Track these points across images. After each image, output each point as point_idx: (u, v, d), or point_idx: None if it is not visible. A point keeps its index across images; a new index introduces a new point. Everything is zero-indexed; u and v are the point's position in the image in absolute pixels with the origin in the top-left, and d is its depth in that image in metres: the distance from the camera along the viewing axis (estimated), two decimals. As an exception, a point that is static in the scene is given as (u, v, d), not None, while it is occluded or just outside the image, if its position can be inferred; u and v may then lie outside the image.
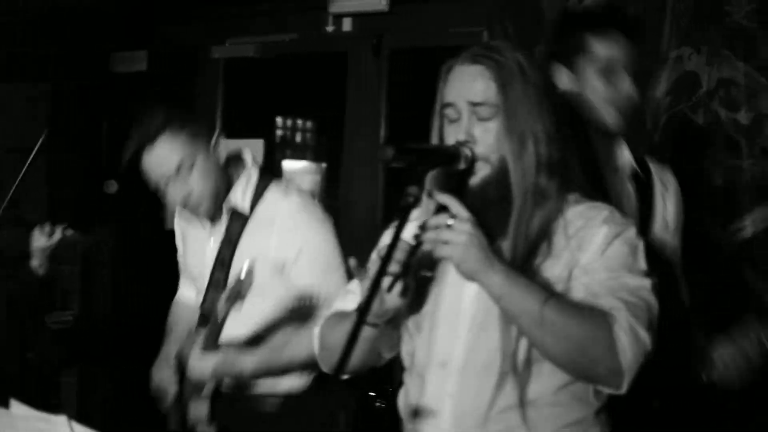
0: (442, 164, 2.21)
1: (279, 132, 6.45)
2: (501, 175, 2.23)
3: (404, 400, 2.45)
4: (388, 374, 2.66)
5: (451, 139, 2.26)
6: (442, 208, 2.14)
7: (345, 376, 2.38)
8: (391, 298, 2.14)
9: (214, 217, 3.33)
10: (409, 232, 2.09)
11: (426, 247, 2.12)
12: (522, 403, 2.23)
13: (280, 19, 6.06)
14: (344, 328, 2.15)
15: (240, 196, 3.32)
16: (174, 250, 3.74)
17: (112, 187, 6.41)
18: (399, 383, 2.50)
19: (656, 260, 2.39)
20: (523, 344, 2.21)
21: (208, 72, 6.45)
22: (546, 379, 2.24)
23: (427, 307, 2.35)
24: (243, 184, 3.35)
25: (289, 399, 3.35)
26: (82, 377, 6.24)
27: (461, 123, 2.25)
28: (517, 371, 2.22)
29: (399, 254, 2.08)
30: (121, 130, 6.59)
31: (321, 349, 2.50)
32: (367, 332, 2.18)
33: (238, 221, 3.30)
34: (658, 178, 3.18)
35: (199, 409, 3.25)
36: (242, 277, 2.96)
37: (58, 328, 5.89)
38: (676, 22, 4.54)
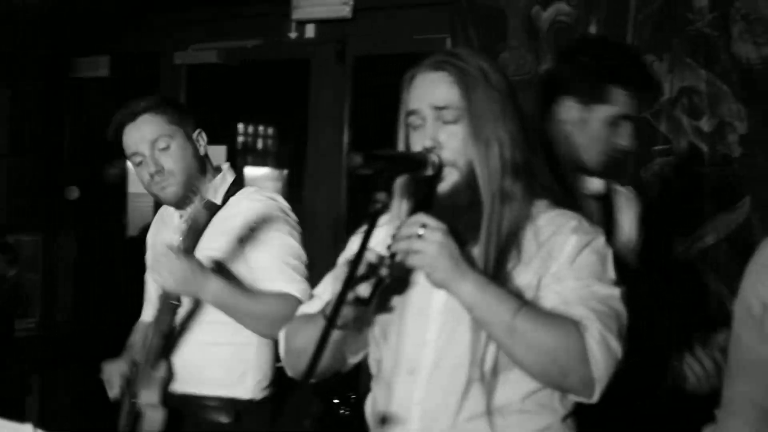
0: (410, 171, 2.21)
1: (241, 138, 6.40)
2: (469, 179, 2.22)
3: (372, 407, 2.42)
4: (352, 382, 2.57)
5: (417, 146, 2.24)
6: (413, 217, 2.12)
7: (311, 381, 2.28)
8: (359, 302, 2.11)
9: (182, 204, 3.30)
10: (377, 238, 2.07)
11: (398, 256, 2.10)
12: (489, 410, 2.21)
13: (243, 26, 6.00)
14: (310, 332, 2.18)
15: (212, 191, 3.31)
16: (137, 254, 3.66)
17: (74, 193, 6.32)
18: (365, 391, 2.47)
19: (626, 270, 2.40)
20: (491, 352, 2.19)
21: (170, 78, 6.37)
22: (513, 387, 2.22)
23: (395, 314, 2.32)
24: (218, 181, 3.36)
25: (249, 405, 3.29)
26: (43, 385, 6.15)
27: (426, 129, 2.24)
28: (484, 379, 2.20)
29: (367, 261, 2.07)
30: (82, 135, 6.57)
31: (287, 353, 2.46)
32: (332, 335, 2.10)
33: (208, 212, 3.22)
34: (619, 198, 3.19)
35: (150, 396, 3.20)
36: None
37: (20, 335, 5.81)
38: (638, 30, 4.54)
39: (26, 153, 6.22)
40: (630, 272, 2.82)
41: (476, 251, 2.22)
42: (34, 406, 6.01)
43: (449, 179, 2.23)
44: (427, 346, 2.27)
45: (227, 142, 6.14)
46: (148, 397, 3.22)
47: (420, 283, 2.23)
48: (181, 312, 3.21)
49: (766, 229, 4.13)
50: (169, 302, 3.13)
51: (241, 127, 6.39)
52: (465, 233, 2.21)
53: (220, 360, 3.25)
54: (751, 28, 4.27)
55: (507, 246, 2.22)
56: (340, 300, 1.98)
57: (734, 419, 2.22)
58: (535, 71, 4.72)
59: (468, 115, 2.22)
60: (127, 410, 3.30)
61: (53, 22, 6.18)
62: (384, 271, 2.11)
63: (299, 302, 2.92)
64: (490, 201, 2.21)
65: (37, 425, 2.17)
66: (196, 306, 3.23)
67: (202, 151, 3.38)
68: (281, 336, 2.48)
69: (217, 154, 5.73)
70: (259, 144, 6.45)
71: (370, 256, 2.08)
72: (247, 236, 3.21)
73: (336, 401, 4.30)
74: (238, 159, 6.30)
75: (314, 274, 2.78)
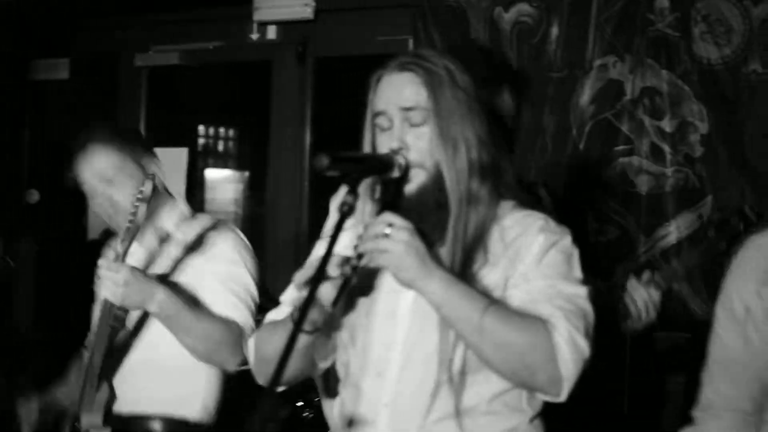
0: (377, 172, 2.17)
1: (202, 140, 6.33)
2: (436, 181, 2.18)
3: (339, 410, 2.34)
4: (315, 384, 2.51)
5: (384, 148, 2.20)
6: (380, 217, 2.09)
7: (280, 387, 2.25)
8: (326, 305, 2.07)
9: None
10: (343, 241, 2.03)
11: (365, 256, 2.06)
12: (458, 412, 2.17)
13: (205, 27, 5.90)
14: (279, 338, 2.11)
15: (166, 218, 3.23)
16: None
17: (34, 196, 6.20)
18: (334, 394, 2.38)
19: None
20: (459, 353, 2.15)
21: (131, 80, 6.26)
22: (481, 388, 2.19)
23: (363, 316, 2.27)
24: (169, 208, 3.26)
25: (197, 428, 3.19)
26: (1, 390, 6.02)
27: (393, 130, 2.19)
28: (453, 380, 2.16)
29: (334, 263, 2.02)
30: (42, 138, 6.45)
31: (257, 361, 2.39)
32: (302, 340, 2.09)
33: (162, 240, 3.20)
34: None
35: (93, 419, 3.08)
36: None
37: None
38: (600, 30, 4.54)
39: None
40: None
41: (443, 252, 2.19)
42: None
43: (416, 180, 2.19)
44: (395, 348, 2.23)
45: (188, 144, 6.05)
46: (91, 420, 3.09)
47: (387, 284, 2.20)
48: (126, 329, 3.12)
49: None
50: (111, 319, 3.01)
51: (202, 129, 6.32)
52: (432, 234, 2.17)
53: (168, 380, 3.13)
54: (711, 29, 4.29)
55: (473, 247, 2.19)
56: (307, 303, 1.93)
57: (713, 421, 2.24)
58: (506, 73, 4.66)
59: (435, 117, 2.18)
60: None
61: (11, 25, 6.05)
62: (351, 273, 2.06)
63: (241, 330, 2.93)
64: (457, 202, 2.18)
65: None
66: (142, 323, 3.13)
67: (149, 186, 3.16)
68: (250, 344, 2.42)
69: (178, 156, 5.75)
70: (221, 146, 6.39)
71: (336, 259, 2.03)
72: (199, 263, 3.13)
73: (299, 404, 4.20)
74: (199, 161, 6.21)
75: (277, 276, 2.71)
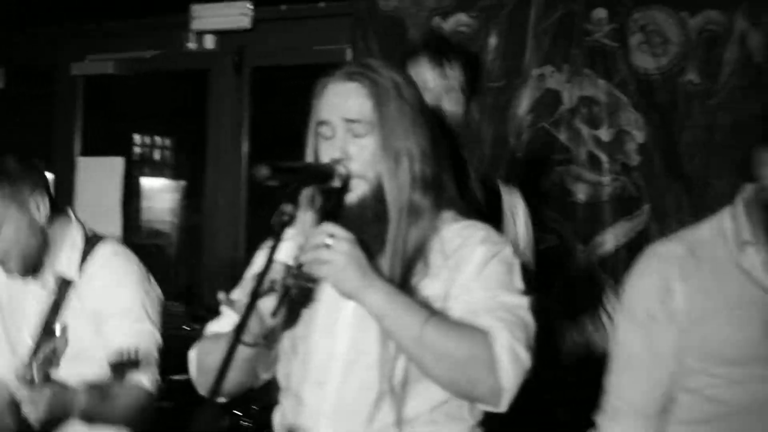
0: (317, 182, 2.13)
1: (138, 149, 6.22)
2: (377, 192, 2.14)
3: (280, 420, 2.30)
4: (254, 393, 2.45)
5: (326, 157, 2.16)
6: (320, 227, 2.05)
7: (222, 399, 2.25)
8: (267, 317, 2.03)
9: (30, 274, 3.08)
10: (283, 250, 2.00)
11: (305, 267, 2.02)
12: (399, 422, 2.12)
13: (142, 36, 5.79)
14: (220, 350, 2.03)
15: (65, 261, 3.09)
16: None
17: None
18: (273, 403, 2.35)
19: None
20: (401, 364, 2.11)
21: (67, 89, 6.11)
22: (422, 398, 2.14)
23: (304, 326, 2.23)
24: (68, 248, 3.11)
25: None
26: None
27: (336, 140, 2.15)
28: (394, 391, 2.12)
29: (274, 273, 1.99)
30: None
31: (198, 373, 2.33)
32: (243, 352, 2.08)
33: (65, 287, 3.07)
34: (507, 202, 3.15)
35: None
36: (56, 341, 2.78)
37: None
38: (538, 40, 4.50)
39: None
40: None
41: (383, 263, 2.14)
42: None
43: (357, 191, 2.14)
44: (336, 358, 2.18)
45: (124, 153, 5.94)
46: None
47: (328, 294, 2.14)
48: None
49: (663, 236, 4.00)
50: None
51: (138, 138, 6.19)
52: (372, 245, 2.12)
53: None
54: (648, 39, 4.27)
55: (413, 259, 2.15)
56: (246, 315, 1.90)
57: (617, 425, 2.26)
58: (436, 81, 4.58)
59: (379, 129, 2.14)
60: None
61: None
62: (291, 283, 2.03)
63: (150, 395, 2.92)
64: (397, 215, 2.14)
65: None
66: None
67: (41, 220, 3.06)
68: (192, 356, 2.36)
69: (114, 165, 5.60)
70: (157, 155, 6.26)
71: (276, 269, 2.00)
72: (97, 301, 3.02)
73: (237, 413, 4.09)
74: (135, 170, 6.08)
75: (214, 286, 2.62)
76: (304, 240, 2.03)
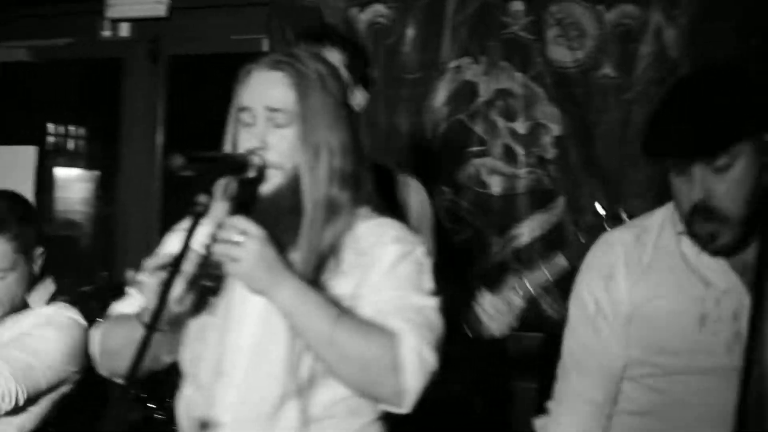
0: (232, 173, 2.08)
1: (51, 139, 6.00)
2: (293, 184, 2.11)
3: (185, 409, 2.24)
4: (167, 385, 2.49)
5: (244, 144, 2.12)
6: (232, 221, 2.00)
7: (120, 380, 2.25)
8: (174, 303, 1.99)
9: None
10: (197, 238, 1.94)
11: (215, 260, 2.00)
12: (304, 416, 2.10)
13: (55, 23, 5.54)
14: (125, 332, 2.09)
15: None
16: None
17: None
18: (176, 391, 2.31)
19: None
20: (307, 359, 2.09)
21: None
22: (327, 393, 2.12)
23: (211, 315, 2.18)
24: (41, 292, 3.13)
25: None
26: None
27: (256, 128, 2.12)
28: (300, 386, 2.09)
29: (187, 263, 1.96)
30: None
31: (101, 354, 2.29)
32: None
33: None
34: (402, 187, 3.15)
35: None
36: None
37: None
38: (455, 32, 4.42)
39: None
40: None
41: (295, 257, 2.11)
42: None
43: (272, 182, 2.11)
44: (241, 351, 2.14)
45: (37, 143, 5.69)
46: None
47: (238, 285, 2.10)
48: None
49: (579, 229, 4.12)
50: None
51: (51, 127, 5.95)
52: (285, 237, 2.10)
53: None
54: (565, 33, 4.24)
55: (326, 256, 2.13)
56: (161, 303, 1.86)
57: (567, 414, 2.27)
58: (352, 72, 4.47)
59: (300, 120, 2.11)
60: None
61: None
62: (202, 272, 2.02)
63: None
64: (312, 209, 2.11)
65: None
66: None
67: (36, 271, 3.08)
68: (96, 336, 2.31)
69: (27, 155, 5.48)
70: (70, 145, 6.05)
71: (189, 257, 1.95)
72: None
73: (151, 405, 3.94)
74: (48, 160, 5.85)
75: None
76: (216, 230, 1.99)
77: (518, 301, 3.14)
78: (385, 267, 2.13)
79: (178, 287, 1.97)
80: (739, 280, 2.10)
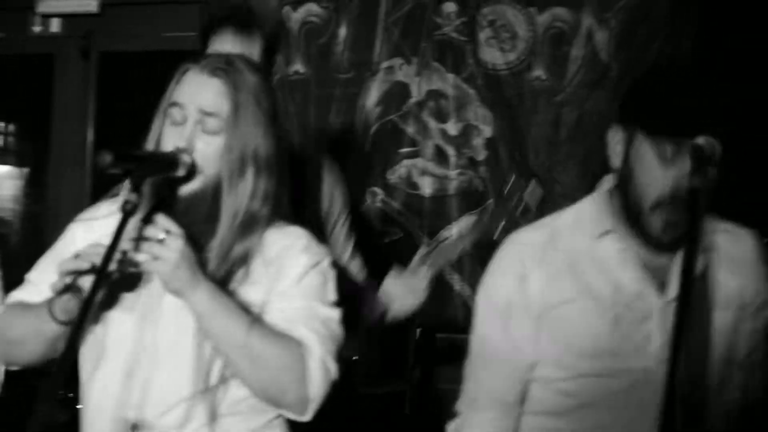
0: (161, 171, 2.01)
1: None
2: (212, 191, 2.06)
3: (86, 409, 2.16)
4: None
5: (170, 142, 2.05)
6: (155, 219, 1.96)
7: (14, 367, 2.23)
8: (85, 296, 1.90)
9: None
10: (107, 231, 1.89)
11: (135, 257, 1.94)
12: (212, 413, 2.06)
13: (-16, 18, 5.44)
14: (27, 323, 2.06)
15: None
16: None
17: None
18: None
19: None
20: (217, 365, 2.05)
21: None
22: (234, 392, 2.08)
23: (119, 312, 2.11)
24: None
25: None
26: None
27: (185, 128, 2.05)
28: (209, 388, 2.05)
29: (99, 254, 1.86)
30: None
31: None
32: (52, 329, 1.99)
33: None
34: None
35: None
36: None
37: None
38: (387, 33, 4.38)
39: None
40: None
41: (207, 262, 2.06)
42: None
43: (192, 185, 2.05)
44: (150, 353, 2.08)
45: (-34, 139, 5.55)
46: None
47: (151, 283, 2.07)
48: None
49: (508, 232, 3.95)
50: None
51: (-20, 124, 5.79)
52: (199, 240, 2.05)
53: None
54: (497, 35, 4.22)
55: (236, 266, 2.08)
56: (90, 298, 1.79)
57: (477, 414, 2.20)
58: (284, 72, 4.48)
59: (230, 131, 2.06)
60: None
61: None
62: (115, 267, 1.92)
63: None
64: (230, 220, 2.06)
65: None
66: None
67: None
68: None
69: None
70: (0, 141, 5.78)
71: (99, 251, 1.88)
72: None
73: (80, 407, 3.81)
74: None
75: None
76: (139, 228, 1.94)
77: (424, 278, 3.05)
78: (294, 276, 2.11)
79: (88, 283, 1.88)
80: (650, 283, 2.06)
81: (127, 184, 1.98)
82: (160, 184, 2.05)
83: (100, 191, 4.94)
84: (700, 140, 1.84)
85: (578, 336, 2.07)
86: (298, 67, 4.44)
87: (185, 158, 2.01)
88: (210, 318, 1.97)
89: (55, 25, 5.16)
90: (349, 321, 2.23)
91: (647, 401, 1.95)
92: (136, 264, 1.95)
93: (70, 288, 1.90)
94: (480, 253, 4.07)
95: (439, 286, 4.12)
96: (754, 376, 2.15)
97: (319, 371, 2.01)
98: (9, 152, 5.82)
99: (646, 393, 1.97)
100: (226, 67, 2.10)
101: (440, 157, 4.25)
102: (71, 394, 3.75)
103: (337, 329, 2.11)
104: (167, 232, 1.92)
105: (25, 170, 5.73)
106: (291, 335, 2.03)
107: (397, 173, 4.29)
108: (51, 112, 5.24)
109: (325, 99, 4.38)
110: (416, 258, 2.94)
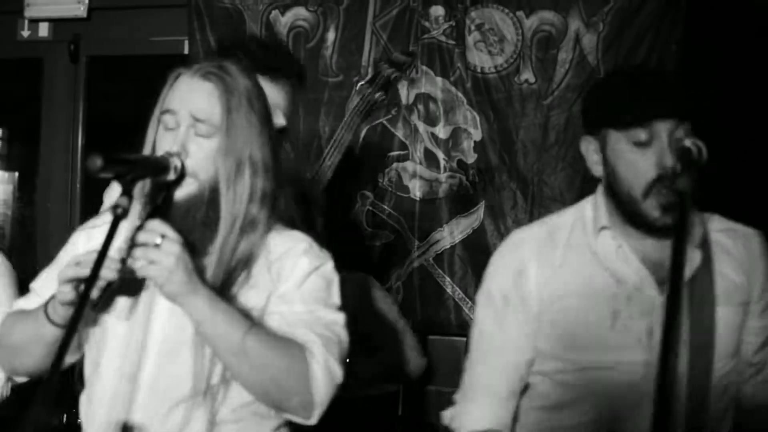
0: (151, 175, 2.01)
1: None
2: (209, 195, 2.05)
3: (87, 410, 2.15)
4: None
5: (164, 147, 2.04)
6: (150, 223, 1.95)
7: (20, 379, 2.22)
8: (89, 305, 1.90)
9: None
10: (117, 243, 1.89)
11: (132, 263, 1.93)
12: (212, 419, 2.05)
13: (-28, 23, 5.36)
14: (28, 329, 2.06)
15: None
16: None
17: None
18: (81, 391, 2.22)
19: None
20: (218, 368, 2.04)
21: None
22: (235, 397, 2.07)
23: (117, 317, 2.11)
24: None
25: None
26: None
27: (178, 133, 2.05)
28: (208, 393, 2.05)
29: (107, 269, 1.87)
30: None
31: (1, 350, 2.21)
32: (52, 334, 2.00)
33: None
34: None
35: None
36: None
37: None
38: (376, 36, 4.34)
39: None
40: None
41: (206, 263, 2.06)
42: None
43: (186, 189, 2.04)
44: (148, 355, 2.08)
45: (-44, 144, 5.46)
46: None
47: (147, 289, 2.07)
48: None
49: (498, 233, 4.12)
50: None
51: (-30, 128, 5.75)
52: (196, 247, 2.04)
53: None
54: (485, 38, 4.20)
55: (237, 269, 2.08)
56: (81, 304, 1.77)
57: (473, 405, 2.23)
58: (273, 75, 4.35)
59: (224, 135, 2.05)
60: None
61: None
62: (112, 273, 1.91)
63: None
64: (230, 224, 2.05)
65: None
66: None
67: None
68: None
69: None
70: (-11, 146, 5.80)
71: (107, 261, 1.87)
72: None
73: (73, 411, 3.79)
74: (-34, 161, 5.65)
75: None
76: (133, 235, 1.93)
77: None
78: (296, 280, 2.09)
79: (95, 291, 1.87)
80: (650, 278, 2.08)
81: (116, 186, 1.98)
82: (154, 190, 2.05)
83: (90, 196, 4.97)
84: (687, 142, 1.87)
85: (580, 330, 2.09)
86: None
87: (175, 162, 2.00)
88: (208, 323, 1.95)
89: (43, 30, 5.10)
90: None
91: (648, 394, 1.96)
92: (132, 270, 1.93)
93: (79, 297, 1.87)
94: (472, 256, 4.14)
95: (431, 288, 4.21)
96: (764, 372, 2.19)
97: (322, 374, 1.99)
98: (-1, 156, 5.82)
99: (647, 386, 1.98)
100: (218, 72, 2.08)
101: (430, 160, 4.23)
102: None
103: (341, 332, 2.09)
104: (163, 236, 1.91)
105: (15, 174, 5.71)
106: (293, 339, 2.01)
107: (387, 177, 4.27)
108: (39, 116, 5.17)
109: (314, 103, 4.34)
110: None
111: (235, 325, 1.95)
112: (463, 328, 4.03)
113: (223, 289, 2.02)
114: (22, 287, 4.96)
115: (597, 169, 2.14)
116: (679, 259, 1.71)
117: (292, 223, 2.20)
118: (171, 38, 4.74)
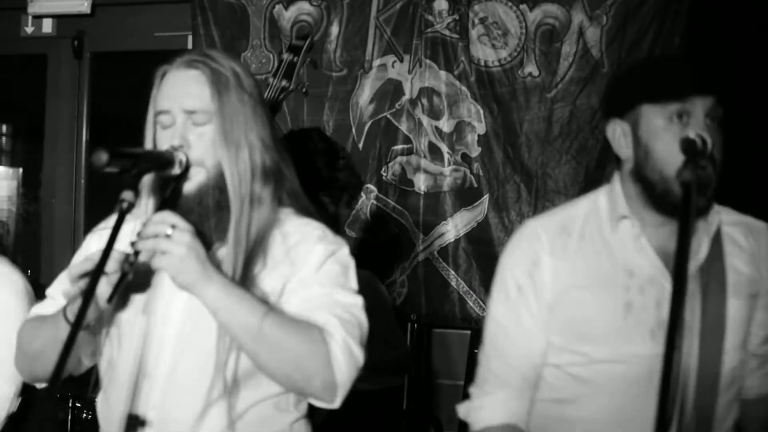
0: (157, 169, 2.00)
1: None
2: (217, 180, 2.04)
3: (104, 408, 2.15)
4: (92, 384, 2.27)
5: (165, 145, 2.03)
6: (160, 215, 1.93)
7: (42, 384, 2.19)
8: (101, 301, 1.91)
9: None
10: (121, 237, 1.86)
11: (142, 256, 1.91)
12: (231, 415, 2.03)
13: (-24, 20, 5.34)
14: (46, 333, 2.04)
15: None
16: None
17: None
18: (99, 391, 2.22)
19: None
20: (234, 359, 2.02)
21: None
22: (252, 392, 2.06)
23: (134, 314, 2.09)
24: None
25: None
26: None
27: (175, 128, 2.04)
28: (227, 385, 2.02)
29: (112, 262, 1.87)
30: None
31: (22, 357, 2.20)
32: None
33: None
34: None
35: None
36: None
37: None
38: (379, 30, 4.35)
39: None
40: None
41: (222, 254, 2.06)
42: None
43: (196, 179, 2.04)
44: (165, 350, 2.06)
45: (-40, 141, 5.47)
46: None
47: (162, 283, 2.04)
48: None
49: (502, 226, 4.13)
50: None
51: (-26, 124, 5.74)
52: (211, 235, 2.05)
53: None
54: (488, 32, 4.20)
55: (254, 250, 2.06)
56: (86, 301, 1.76)
57: (486, 397, 2.20)
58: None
59: (218, 118, 2.05)
60: None
61: None
62: (127, 270, 1.90)
63: None
64: (239, 204, 2.05)
65: None
66: None
67: None
68: (15, 339, 2.22)
69: None
70: (-6, 142, 5.81)
71: (115, 255, 1.87)
72: None
73: (78, 405, 3.82)
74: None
75: (52, 275, 2.40)
76: (143, 227, 1.91)
77: None
78: (313, 265, 2.07)
79: (103, 285, 1.87)
80: (664, 269, 2.06)
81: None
82: (161, 185, 2.05)
83: (95, 191, 4.98)
84: (691, 134, 1.87)
85: (593, 322, 2.07)
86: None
87: (180, 155, 2.00)
88: (224, 310, 1.93)
89: (47, 26, 5.10)
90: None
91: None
92: (144, 264, 1.93)
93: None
94: (476, 249, 4.13)
95: (435, 281, 4.21)
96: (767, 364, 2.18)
97: (342, 355, 1.96)
98: (3, 152, 5.81)
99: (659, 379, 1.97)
100: (201, 58, 2.08)
101: (434, 153, 4.23)
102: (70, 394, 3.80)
103: (360, 315, 2.06)
104: (173, 227, 1.89)
105: (20, 170, 5.71)
106: (312, 321, 1.99)
107: (391, 170, 4.27)
108: (44, 112, 5.18)
109: (318, 97, 4.34)
110: None
111: (252, 311, 1.93)
112: (468, 321, 4.06)
113: (245, 271, 2.02)
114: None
115: (626, 153, 2.09)
116: (683, 253, 1.71)
117: (306, 211, 2.19)
118: (175, 34, 4.74)
